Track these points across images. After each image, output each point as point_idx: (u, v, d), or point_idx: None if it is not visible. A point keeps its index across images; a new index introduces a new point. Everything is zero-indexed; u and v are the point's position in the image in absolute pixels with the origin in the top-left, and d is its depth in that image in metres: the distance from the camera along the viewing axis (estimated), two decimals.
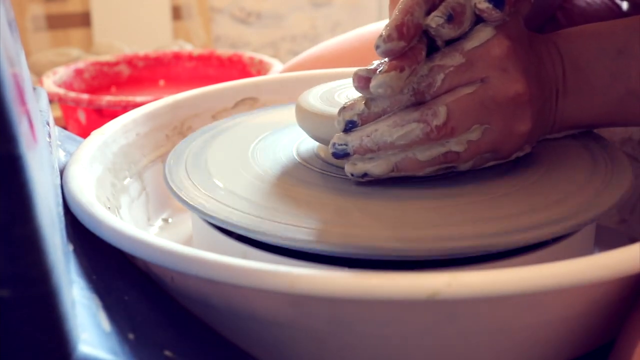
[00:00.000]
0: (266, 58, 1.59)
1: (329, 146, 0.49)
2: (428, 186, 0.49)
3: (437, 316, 0.39)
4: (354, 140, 0.48)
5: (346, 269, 0.44)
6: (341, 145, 0.48)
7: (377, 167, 0.48)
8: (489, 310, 0.39)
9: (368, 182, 0.49)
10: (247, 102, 0.72)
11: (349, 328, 0.40)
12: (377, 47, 0.46)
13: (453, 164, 0.49)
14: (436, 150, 0.48)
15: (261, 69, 1.56)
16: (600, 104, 0.52)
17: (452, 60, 0.48)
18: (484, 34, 0.48)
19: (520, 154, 0.51)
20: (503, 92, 0.48)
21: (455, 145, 0.48)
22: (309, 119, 0.53)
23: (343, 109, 0.49)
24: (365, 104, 0.48)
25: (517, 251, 0.46)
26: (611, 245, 0.58)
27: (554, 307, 0.40)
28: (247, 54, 1.62)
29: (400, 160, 0.48)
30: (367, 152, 0.48)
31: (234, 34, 2.44)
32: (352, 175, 0.49)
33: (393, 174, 0.49)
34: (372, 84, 0.46)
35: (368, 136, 0.48)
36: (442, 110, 0.47)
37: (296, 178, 0.52)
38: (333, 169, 0.52)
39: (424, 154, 0.48)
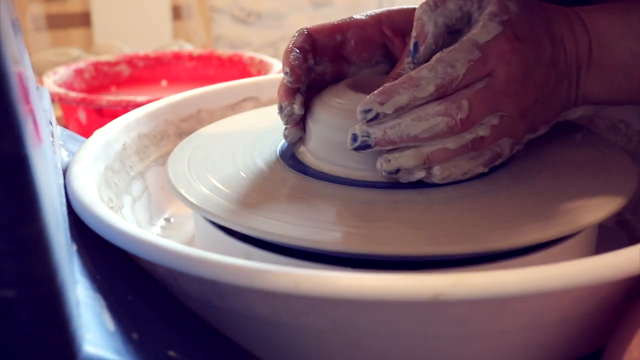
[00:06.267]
0: (266, 58, 1.58)
1: (348, 137, 0.49)
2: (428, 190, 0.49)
3: (440, 317, 0.39)
4: (376, 132, 0.48)
5: (350, 270, 0.44)
6: (364, 136, 0.48)
7: (409, 160, 0.49)
8: (491, 311, 0.39)
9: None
10: (248, 102, 0.72)
11: (353, 328, 0.40)
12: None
13: (477, 150, 0.50)
14: (465, 138, 0.49)
15: (261, 69, 1.55)
16: (622, 82, 0.53)
17: (472, 54, 0.49)
18: (492, 27, 0.50)
19: (533, 136, 0.52)
20: (507, 84, 0.49)
21: (481, 130, 0.49)
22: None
23: (365, 100, 0.48)
24: None
25: (520, 252, 0.46)
26: (613, 246, 0.58)
27: (556, 308, 0.40)
28: (247, 54, 1.62)
29: (432, 151, 0.49)
30: (389, 144, 0.48)
31: (234, 34, 2.44)
32: (384, 172, 0.49)
33: (424, 167, 0.49)
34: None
35: (391, 128, 0.48)
36: (465, 104, 0.48)
37: (300, 178, 0.52)
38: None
39: (454, 143, 0.49)
